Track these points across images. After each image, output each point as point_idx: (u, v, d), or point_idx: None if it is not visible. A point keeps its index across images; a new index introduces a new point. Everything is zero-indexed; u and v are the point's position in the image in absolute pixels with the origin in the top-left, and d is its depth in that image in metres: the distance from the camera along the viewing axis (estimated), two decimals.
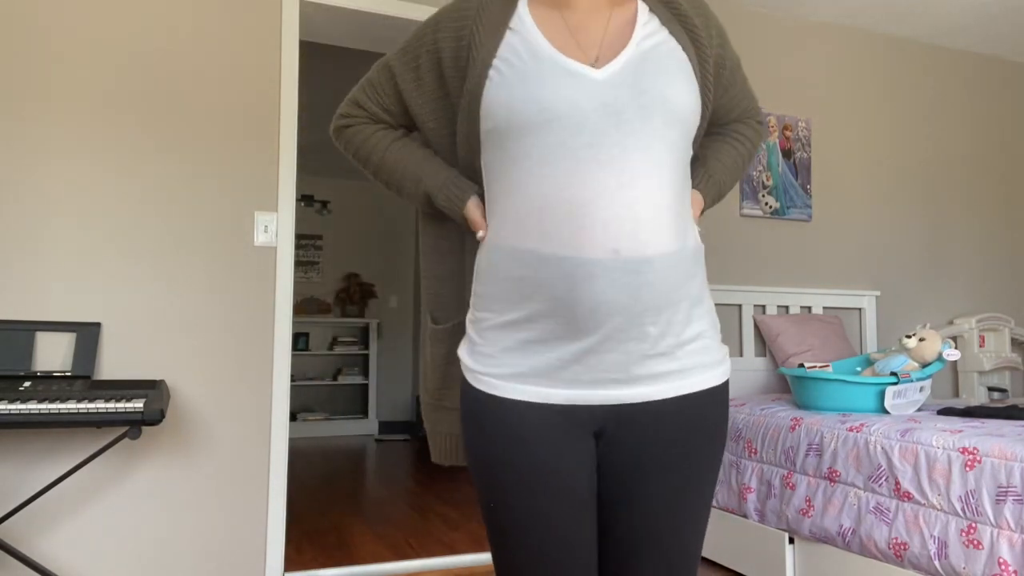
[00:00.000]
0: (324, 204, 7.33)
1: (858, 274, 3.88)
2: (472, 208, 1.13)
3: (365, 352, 7.36)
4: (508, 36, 1.08)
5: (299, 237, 7.37)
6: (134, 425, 2.17)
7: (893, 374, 2.71)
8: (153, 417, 2.17)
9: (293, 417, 7.04)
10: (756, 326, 3.56)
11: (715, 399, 1.11)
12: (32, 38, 2.54)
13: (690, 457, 1.08)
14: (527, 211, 1.04)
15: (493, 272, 1.08)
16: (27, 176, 2.51)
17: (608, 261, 1.00)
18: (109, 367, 2.56)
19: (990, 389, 3.60)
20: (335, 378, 7.23)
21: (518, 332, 1.06)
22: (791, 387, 3.00)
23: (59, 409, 2.11)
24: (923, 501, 2.17)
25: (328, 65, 4.70)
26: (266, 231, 2.77)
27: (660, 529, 1.09)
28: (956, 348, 3.49)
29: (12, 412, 2.07)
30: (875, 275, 3.92)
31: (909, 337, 2.79)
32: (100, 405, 2.15)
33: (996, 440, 2.06)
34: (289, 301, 2.78)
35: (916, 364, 2.79)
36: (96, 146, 2.59)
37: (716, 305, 3.53)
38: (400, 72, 1.19)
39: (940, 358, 2.78)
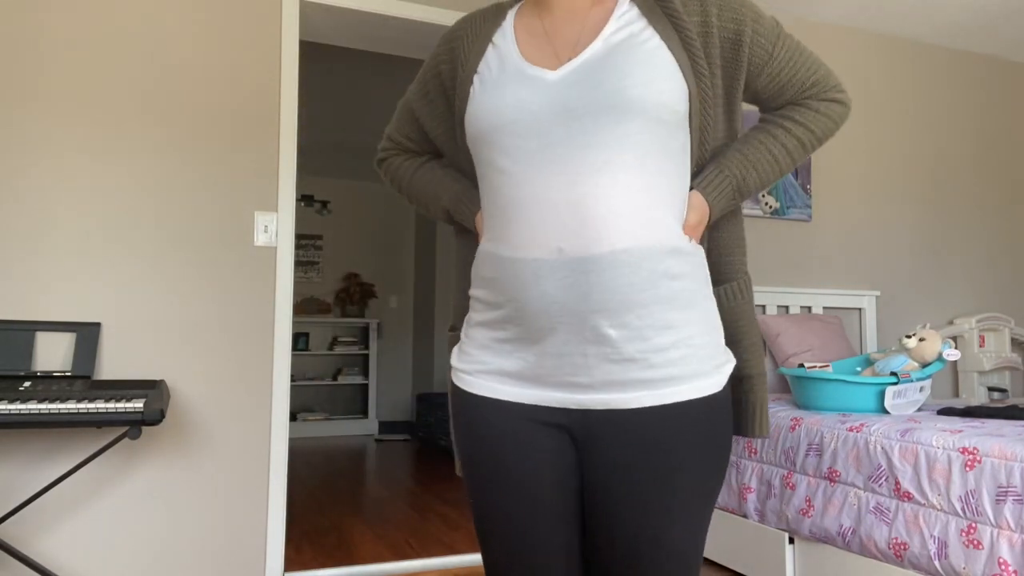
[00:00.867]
0: (324, 204, 7.33)
1: (858, 274, 3.88)
2: (479, 219, 1.17)
3: (365, 352, 7.36)
4: (488, 50, 1.14)
5: (299, 237, 7.37)
6: (134, 425, 2.17)
7: (893, 374, 2.71)
8: (153, 417, 2.17)
9: (293, 417, 7.04)
10: None
11: (708, 409, 1.03)
12: (32, 38, 2.54)
13: (677, 470, 1.01)
14: (492, 214, 1.09)
15: (475, 273, 1.13)
16: (27, 176, 2.51)
17: (553, 260, 1.00)
18: (109, 367, 2.56)
19: (990, 389, 3.60)
20: (335, 378, 7.24)
21: (493, 331, 1.09)
22: (791, 387, 3.00)
23: (59, 409, 2.11)
24: (923, 501, 2.17)
25: (328, 65, 4.70)
26: (266, 231, 2.77)
27: (641, 541, 1.03)
28: (956, 348, 3.49)
29: (12, 412, 2.07)
30: (875, 275, 3.92)
31: (909, 337, 2.79)
32: (100, 405, 2.15)
33: (996, 440, 2.06)
34: (289, 301, 2.78)
35: (916, 364, 2.79)
36: (96, 146, 2.59)
37: None
38: (414, 101, 1.27)
39: (940, 358, 2.78)
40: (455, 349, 1.18)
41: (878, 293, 3.85)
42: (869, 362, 3.05)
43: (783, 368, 3.07)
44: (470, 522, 3.70)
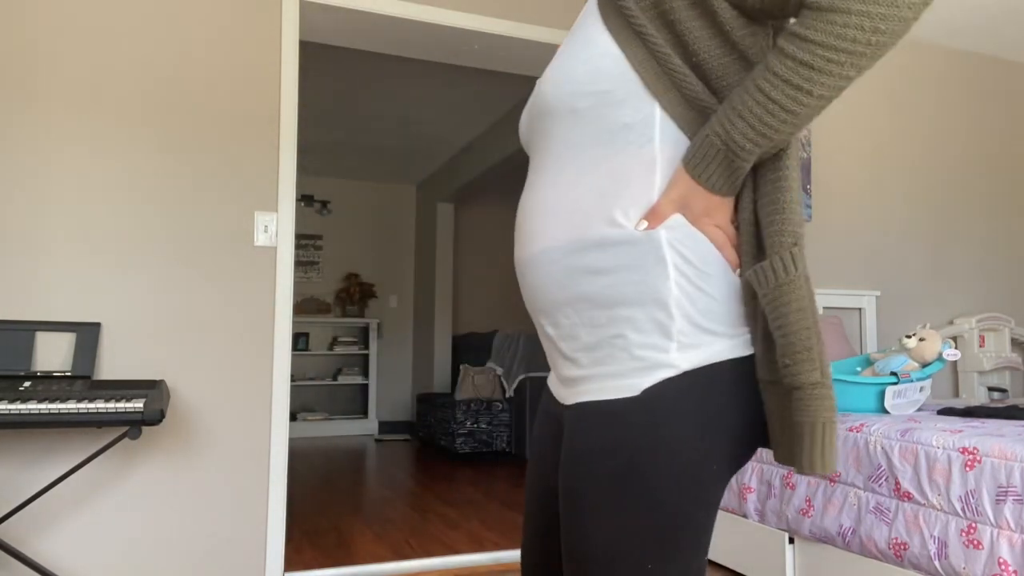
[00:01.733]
0: (324, 204, 7.33)
1: (858, 274, 3.88)
2: None
3: (365, 352, 7.36)
4: None
5: (299, 237, 7.37)
6: (134, 425, 2.17)
7: (893, 374, 2.71)
8: (153, 417, 2.17)
9: (293, 417, 7.04)
10: None
11: (611, 415, 0.92)
12: (32, 39, 2.54)
13: (582, 477, 0.93)
14: None
15: None
16: (27, 176, 2.51)
17: (519, 263, 1.04)
18: (109, 367, 2.56)
19: (990, 389, 3.60)
20: (335, 378, 7.24)
21: None
22: None
23: (59, 409, 2.11)
24: (923, 501, 2.17)
25: (328, 65, 4.70)
26: (266, 231, 2.77)
27: (565, 547, 0.96)
28: (956, 348, 3.49)
29: (12, 412, 2.07)
30: (875, 275, 3.92)
31: (909, 337, 2.79)
32: (100, 405, 2.15)
33: (996, 440, 2.06)
34: (289, 301, 2.78)
35: (916, 364, 2.79)
36: (96, 146, 2.59)
37: None
38: None
39: (940, 358, 2.78)
40: None
41: (878, 293, 3.85)
42: (869, 362, 3.05)
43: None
44: (470, 522, 3.70)
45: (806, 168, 3.78)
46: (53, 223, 2.53)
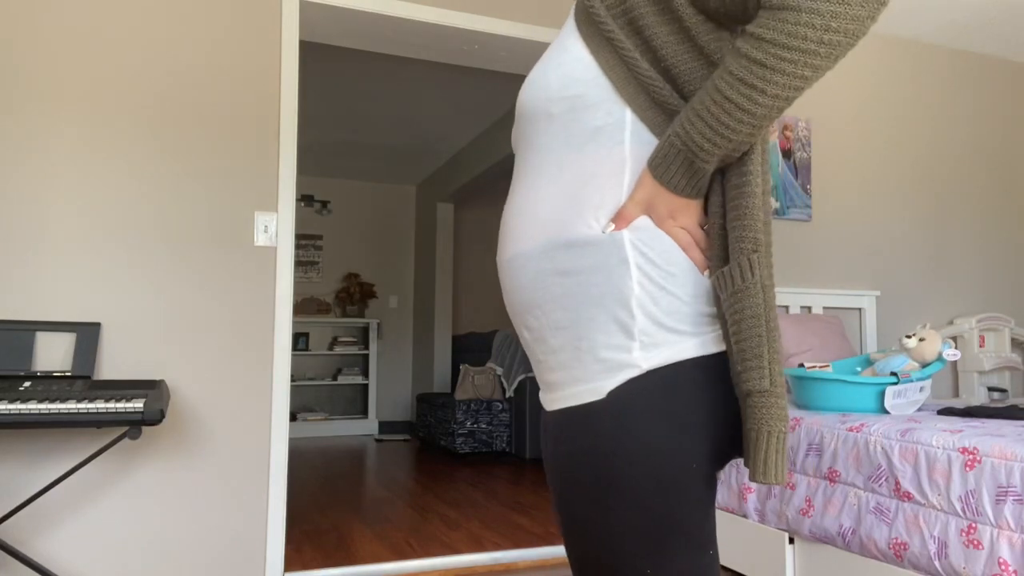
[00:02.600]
0: (324, 204, 7.33)
1: (858, 274, 3.88)
2: None
3: (365, 352, 7.36)
4: None
5: (299, 237, 7.37)
6: (134, 425, 2.17)
7: (893, 374, 2.71)
8: (153, 417, 2.17)
9: (293, 417, 7.04)
10: None
11: (584, 419, 0.92)
12: (32, 39, 2.54)
13: (572, 485, 0.95)
14: None
15: None
16: (27, 176, 2.51)
17: (499, 267, 1.06)
18: (109, 367, 2.56)
19: (990, 389, 3.60)
20: (335, 378, 7.24)
21: None
22: (791, 387, 3.00)
23: (59, 409, 2.11)
24: (923, 501, 2.17)
25: (328, 65, 4.70)
26: (266, 231, 2.77)
27: (568, 552, 0.98)
28: (956, 348, 3.49)
29: (12, 412, 2.07)
30: (875, 275, 3.92)
31: (909, 337, 2.79)
32: (100, 405, 2.15)
33: (996, 440, 2.06)
34: (289, 301, 2.78)
35: (916, 364, 2.79)
36: (96, 146, 2.59)
37: None
38: None
39: (940, 358, 2.78)
40: None
41: (878, 293, 3.85)
42: (869, 362, 3.05)
43: (783, 368, 3.07)
44: (470, 522, 3.70)
45: (806, 168, 3.78)
46: (53, 223, 2.53)
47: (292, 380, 7.06)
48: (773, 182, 3.69)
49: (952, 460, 2.12)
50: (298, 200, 7.25)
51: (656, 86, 0.92)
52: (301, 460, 5.66)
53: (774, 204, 3.68)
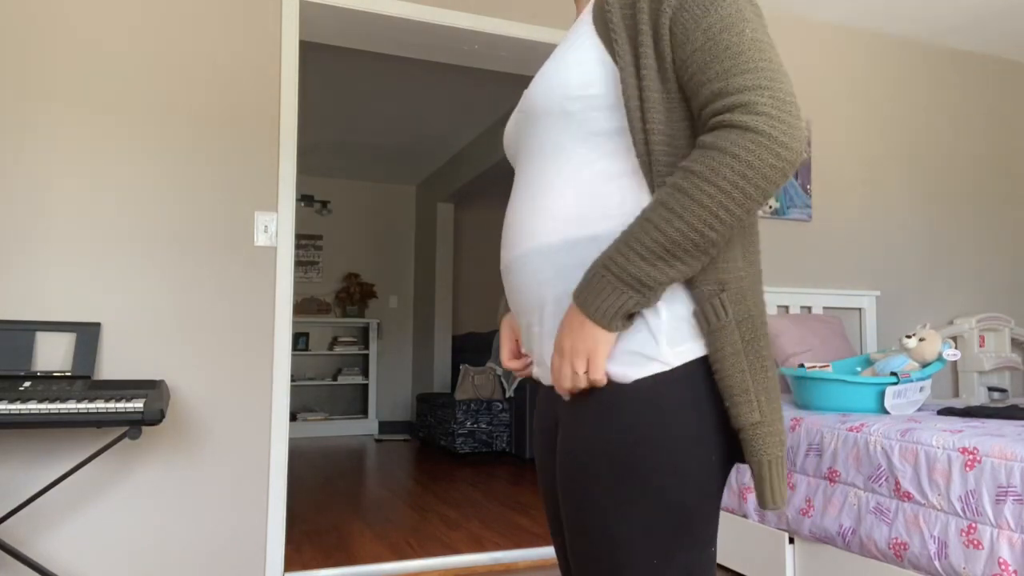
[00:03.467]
0: (324, 204, 7.33)
1: (858, 274, 3.88)
2: None
3: (365, 352, 7.36)
4: None
5: (299, 237, 7.37)
6: (134, 425, 2.17)
7: (893, 374, 2.71)
8: (153, 417, 2.17)
9: (293, 417, 7.04)
10: None
11: (595, 407, 0.96)
12: (32, 38, 2.54)
13: (588, 476, 0.97)
14: None
15: None
16: (27, 176, 2.51)
17: (506, 265, 1.07)
18: (109, 367, 2.56)
19: (990, 389, 3.60)
20: (335, 378, 7.23)
21: None
22: (791, 387, 3.00)
23: (59, 409, 2.11)
24: (923, 501, 2.17)
25: (328, 65, 4.70)
26: (266, 231, 2.77)
27: (572, 547, 1.01)
28: (956, 348, 3.49)
29: (12, 412, 2.07)
30: (875, 275, 3.92)
31: (909, 337, 2.79)
32: (100, 405, 2.15)
33: (996, 440, 2.06)
34: (289, 301, 2.78)
35: (916, 364, 2.79)
36: (96, 146, 2.59)
37: None
38: None
39: (940, 358, 2.78)
40: None
41: (878, 293, 3.85)
42: (869, 362, 3.05)
43: (783, 368, 3.07)
44: (470, 522, 3.70)
45: (806, 168, 3.78)
46: (53, 223, 2.53)
47: (292, 380, 7.06)
48: None
49: (952, 460, 2.12)
50: (298, 200, 7.25)
51: (636, 107, 0.95)
52: (301, 460, 5.66)
53: (774, 204, 3.68)
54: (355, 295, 7.30)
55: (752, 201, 0.86)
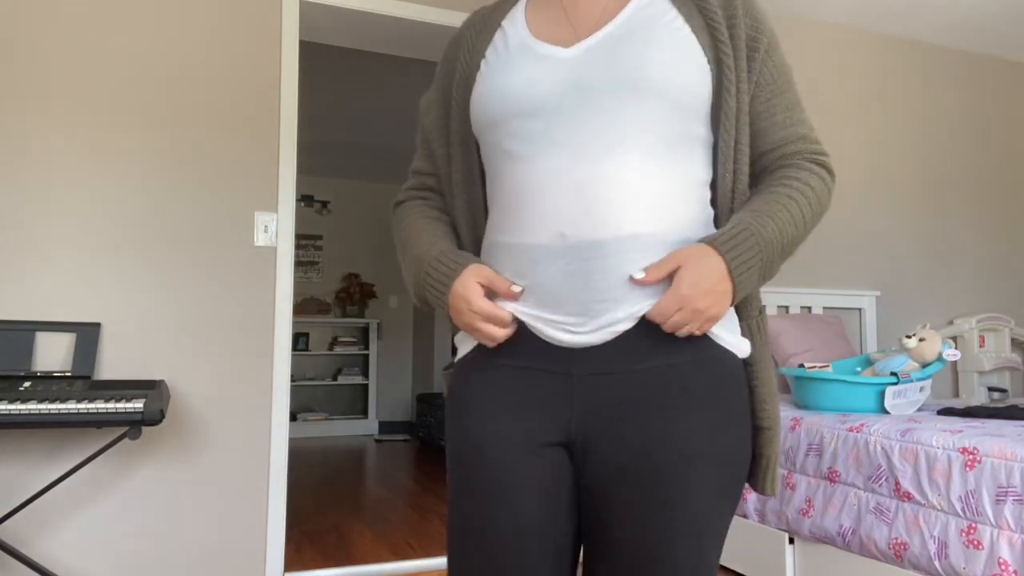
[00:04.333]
0: (324, 204, 7.33)
1: (858, 274, 3.88)
2: (463, 281, 1.01)
3: (365, 352, 7.36)
4: (496, 34, 1.09)
5: (299, 237, 7.37)
6: (134, 425, 2.17)
7: (893, 374, 2.71)
8: (153, 417, 2.17)
9: (293, 417, 7.04)
10: None
11: (725, 382, 1.07)
12: (32, 39, 2.54)
13: (692, 467, 1.02)
14: (498, 202, 1.03)
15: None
16: (27, 176, 2.51)
17: (554, 246, 0.95)
18: (109, 367, 2.56)
19: (990, 389, 3.60)
20: (335, 378, 7.23)
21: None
22: (791, 387, 3.00)
23: (59, 409, 2.11)
24: (923, 501, 2.17)
25: (328, 65, 4.70)
26: (266, 231, 2.77)
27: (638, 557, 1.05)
28: (956, 348, 3.49)
29: (12, 412, 2.07)
30: (875, 275, 3.92)
31: (909, 337, 2.79)
32: (100, 405, 2.15)
33: (996, 440, 2.06)
34: (289, 301, 2.78)
35: (916, 364, 2.79)
36: (96, 146, 2.59)
37: None
38: (423, 118, 1.18)
39: (940, 358, 2.78)
40: None
41: (878, 293, 3.85)
42: (869, 362, 3.05)
43: (783, 368, 3.07)
44: None
45: None
46: (53, 223, 2.53)
47: (292, 380, 7.06)
48: None
49: (952, 460, 2.12)
50: (298, 200, 7.25)
51: (733, 121, 1.03)
52: (301, 460, 5.66)
53: None
54: (355, 295, 7.30)
55: (817, 220, 1.05)
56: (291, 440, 6.81)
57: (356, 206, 7.63)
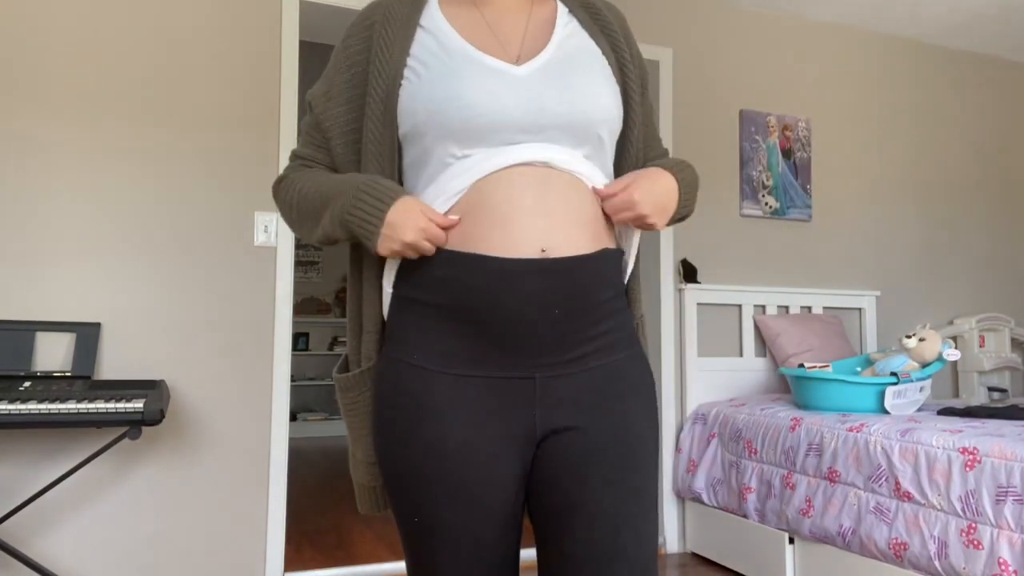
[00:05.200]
0: None
1: (858, 274, 3.88)
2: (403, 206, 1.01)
3: None
4: (419, 35, 1.07)
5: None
6: (134, 425, 2.17)
7: (893, 374, 2.71)
8: (153, 417, 2.17)
9: (293, 417, 7.04)
10: (756, 326, 3.56)
11: (648, 372, 1.18)
12: (32, 38, 2.54)
13: (644, 450, 1.13)
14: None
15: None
16: (27, 176, 2.51)
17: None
18: (109, 367, 2.56)
19: (990, 389, 3.60)
20: None
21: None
22: (791, 387, 3.00)
23: (59, 409, 2.11)
24: (923, 501, 2.17)
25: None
26: (266, 231, 2.77)
27: (618, 544, 1.12)
28: (956, 348, 3.49)
29: (12, 412, 2.07)
30: (875, 275, 3.92)
31: (909, 337, 2.79)
32: (100, 405, 2.15)
33: (996, 440, 2.06)
34: (289, 301, 2.78)
35: (916, 364, 2.79)
36: (96, 146, 2.59)
37: (718, 305, 3.53)
38: (318, 105, 1.14)
39: (940, 358, 2.78)
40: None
41: (878, 293, 3.85)
42: (869, 362, 3.05)
43: (783, 368, 3.07)
44: None
45: (806, 168, 3.78)
46: (53, 223, 2.53)
47: (292, 380, 7.06)
48: (773, 182, 3.69)
49: (952, 460, 2.12)
50: None
51: (633, 153, 1.15)
52: (301, 460, 5.66)
53: (774, 204, 3.68)
54: None
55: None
56: (291, 440, 6.81)
57: None
